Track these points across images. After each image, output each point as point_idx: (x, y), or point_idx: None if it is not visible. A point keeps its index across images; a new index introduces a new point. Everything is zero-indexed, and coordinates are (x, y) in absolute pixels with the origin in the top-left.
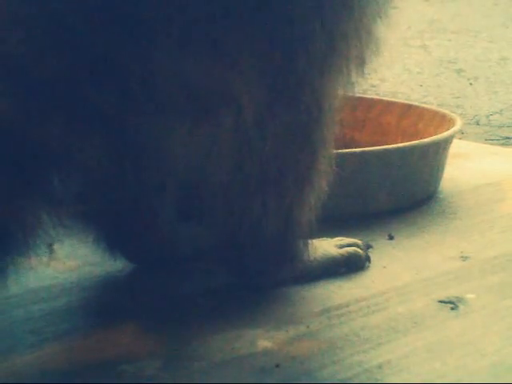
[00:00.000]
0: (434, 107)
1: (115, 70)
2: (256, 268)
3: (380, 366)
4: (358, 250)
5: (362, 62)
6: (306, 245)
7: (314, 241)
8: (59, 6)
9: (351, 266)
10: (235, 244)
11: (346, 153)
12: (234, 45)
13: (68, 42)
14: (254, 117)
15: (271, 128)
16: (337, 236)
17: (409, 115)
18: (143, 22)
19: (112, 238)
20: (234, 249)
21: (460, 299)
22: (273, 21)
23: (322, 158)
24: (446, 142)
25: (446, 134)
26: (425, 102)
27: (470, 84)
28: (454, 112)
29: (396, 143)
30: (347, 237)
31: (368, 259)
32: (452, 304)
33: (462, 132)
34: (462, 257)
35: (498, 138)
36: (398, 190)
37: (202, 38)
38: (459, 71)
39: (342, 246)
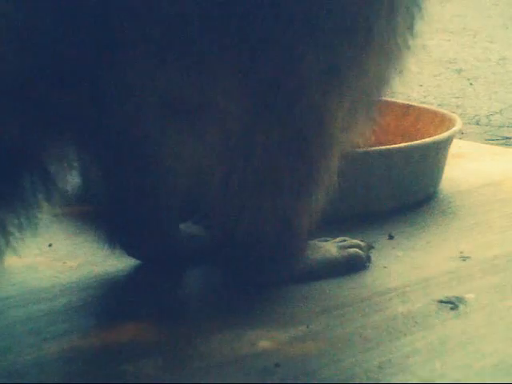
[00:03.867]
0: (433, 107)
1: (95, 81)
2: (255, 269)
3: (380, 366)
4: (359, 250)
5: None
6: (306, 246)
7: (315, 241)
8: (31, 13)
9: (352, 266)
10: (233, 245)
11: (348, 153)
12: (215, 59)
13: (41, 49)
14: (240, 127)
15: (260, 138)
16: (337, 236)
17: (409, 115)
18: (125, 36)
19: (111, 231)
20: (232, 250)
21: (460, 299)
22: (260, 40)
23: (322, 168)
24: (446, 142)
25: (446, 134)
26: (425, 102)
27: (470, 84)
28: (454, 112)
29: (396, 143)
30: (348, 237)
31: (369, 259)
32: (452, 304)
33: (462, 132)
34: (461, 257)
35: (497, 138)
36: (399, 189)
37: (184, 51)
38: (459, 71)
39: (343, 247)
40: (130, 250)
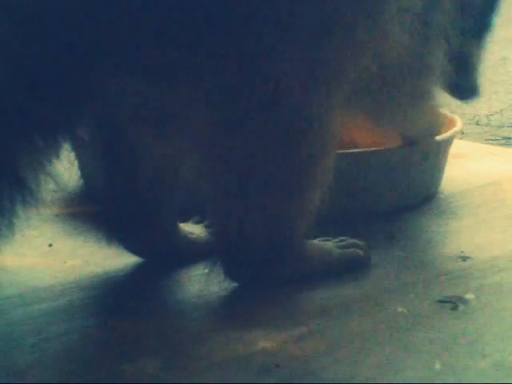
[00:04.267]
0: None
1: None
2: (252, 269)
3: (380, 366)
4: (359, 250)
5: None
6: (305, 245)
7: (316, 241)
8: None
9: (352, 266)
10: (230, 246)
11: (348, 153)
12: (184, 69)
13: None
14: (214, 133)
15: (239, 141)
16: (337, 236)
17: None
18: (102, 51)
19: (111, 228)
20: (229, 251)
21: (460, 299)
22: (229, 48)
23: (314, 167)
24: (447, 143)
25: (446, 134)
26: None
27: None
28: (453, 112)
29: (396, 143)
30: (348, 237)
31: (369, 259)
32: (452, 304)
33: (462, 132)
34: (461, 257)
35: (497, 138)
36: (399, 190)
37: (151, 64)
38: None
39: (343, 247)
40: (129, 246)
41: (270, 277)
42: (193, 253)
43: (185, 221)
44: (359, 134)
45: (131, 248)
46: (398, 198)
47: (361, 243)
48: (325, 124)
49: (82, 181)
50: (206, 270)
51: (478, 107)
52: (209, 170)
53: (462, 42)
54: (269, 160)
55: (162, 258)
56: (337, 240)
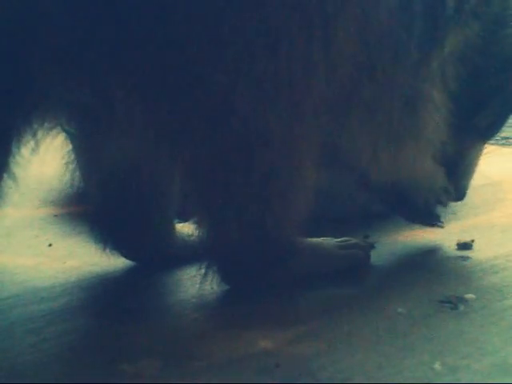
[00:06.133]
0: None
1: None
2: (244, 273)
3: (380, 366)
4: (360, 250)
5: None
6: (302, 246)
7: (316, 241)
8: None
9: (352, 266)
10: (219, 251)
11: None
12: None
13: None
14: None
15: (206, 149)
16: (338, 236)
17: None
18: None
19: (105, 232)
20: (218, 255)
21: (460, 299)
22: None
23: (284, 170)
24: None
25: None
26: None
27: None
28: None
29: None
30: (348, 237)
31: (369, 260)
32: (452, 304)
33: None
34: (461, 257)
35: (497, 137)
36: None
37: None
38: None
39: (343, 247)
40: (123, 251)
41: (265, 279)
42: (190, 253)
43: (184, 221)
44: None
45: (126, 254)
46: None
47: (361, 243)
48: (286, 132)
49: (80, 180)
50: (202, 272)
51: None
52: (187, 174)
53: (462, 140)
54: (238, 166)
55: (156, 261)
56: (339, 240)
